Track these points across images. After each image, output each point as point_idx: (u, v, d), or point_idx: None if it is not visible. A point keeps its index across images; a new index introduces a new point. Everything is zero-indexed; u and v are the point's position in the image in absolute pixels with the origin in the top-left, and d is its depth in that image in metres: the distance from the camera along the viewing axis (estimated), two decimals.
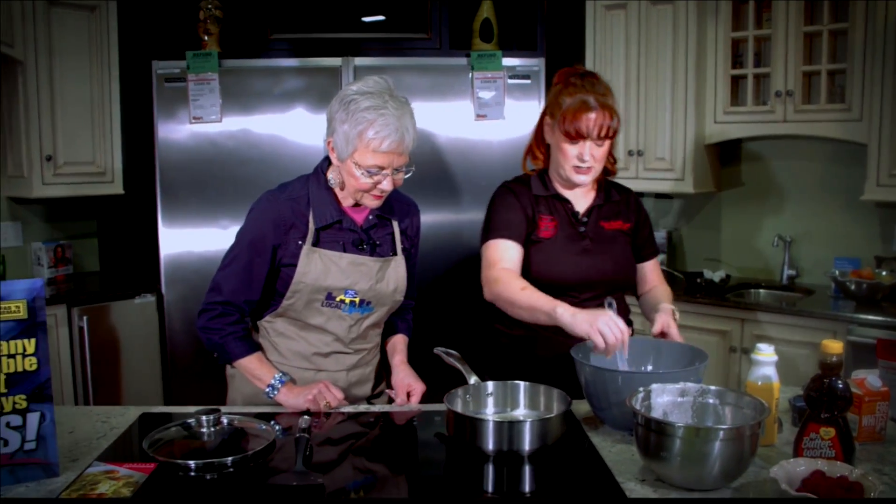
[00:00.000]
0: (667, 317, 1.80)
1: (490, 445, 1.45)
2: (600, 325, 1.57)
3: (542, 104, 3.42)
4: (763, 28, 3.33)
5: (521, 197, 1.91)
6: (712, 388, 1.47)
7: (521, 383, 1.66)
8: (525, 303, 1.73)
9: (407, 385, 1.84)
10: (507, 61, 3.37)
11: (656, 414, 1.45)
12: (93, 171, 3.50)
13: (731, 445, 1.29)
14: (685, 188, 3.56)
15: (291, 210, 1.76)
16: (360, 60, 3.32)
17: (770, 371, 1.53)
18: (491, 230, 1.89)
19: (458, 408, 1.58)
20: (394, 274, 1.83)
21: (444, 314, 3.44)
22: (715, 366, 3.26)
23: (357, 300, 1.78)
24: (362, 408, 1.79)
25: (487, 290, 1.83)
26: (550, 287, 1.81)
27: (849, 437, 1.37)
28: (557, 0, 3.73)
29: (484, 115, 3.39)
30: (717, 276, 3.48)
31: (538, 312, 1.70)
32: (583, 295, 1.86)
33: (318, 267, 1.75)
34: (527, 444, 1.45)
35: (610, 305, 1.68)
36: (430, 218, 3.42)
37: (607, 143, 1.85)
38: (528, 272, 1.86)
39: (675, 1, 3.44)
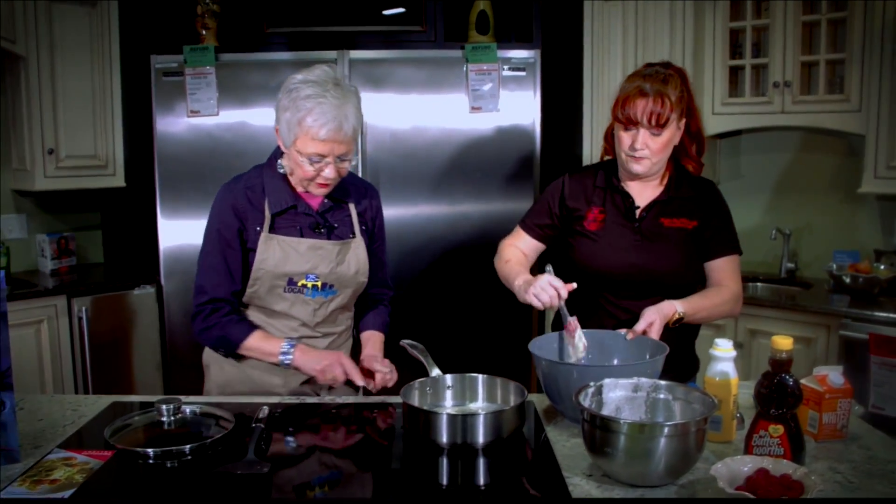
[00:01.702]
0: (653, 316, 1.69)
1: (444, 438, 1.46)
2: (532, 290, 1.68)
3: (538, 96, 3.43)
4: (761, 18, 3.27)
5: (569, 188, 1.93)
6: (663, 382, 1.47)
7: (480, 376, 1.66)
8: (501, 275, 1.92)
9: (366, 369, 1.82)
10: (503, 53, 3.35)
11: (608, 409, 1.45)
12: (95, 164, 3.56)
13: (676, 442, 1.28)
14: None
15: (247, 198, 1.79)
16: (355, 53, 3.34)
17: (728, 367, 1.52)
18: (524, 216, 2.02)
19: (415, 401, 1.59)
20: (354, 256, 1.84)
21: (440, 305, 3.46)
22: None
23: (319, 284, 1.80)
24: (327, 399, 1.80)
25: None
26: (593, 279, 1.84)
27: (798, 434, 1.36)
28: None
29: (479, 108, 3.38)
30: None
31: (508, 283, 1.86)
32: (624, 291, 1.83)
33: (276, 253, 1.77)
34: (481, 437, 1.46)
35: (547, 270, 1.73)
36: (424, 210, 3.43)
37: (666, 133, 1.76)
38: (574, 262, 1.89)
39: None
